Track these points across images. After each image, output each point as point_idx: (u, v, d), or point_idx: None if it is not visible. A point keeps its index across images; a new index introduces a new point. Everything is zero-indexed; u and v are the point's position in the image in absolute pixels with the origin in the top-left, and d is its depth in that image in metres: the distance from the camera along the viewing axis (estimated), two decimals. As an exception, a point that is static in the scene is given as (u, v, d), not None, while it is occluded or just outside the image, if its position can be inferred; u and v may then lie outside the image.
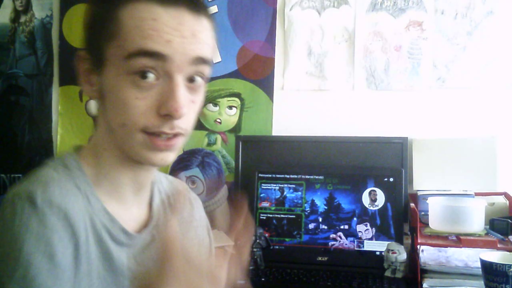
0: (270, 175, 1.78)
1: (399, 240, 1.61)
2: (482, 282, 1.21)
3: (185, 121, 0.74)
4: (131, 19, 0.71)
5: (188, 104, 0.73)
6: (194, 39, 0.72)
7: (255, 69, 1.99)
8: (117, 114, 0.73)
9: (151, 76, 0.70)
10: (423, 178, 1.77)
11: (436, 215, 1.54)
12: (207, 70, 0.75)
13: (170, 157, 0.76)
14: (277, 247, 1.71)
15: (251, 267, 1.59)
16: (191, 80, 0.74)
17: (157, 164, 0.76)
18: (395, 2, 1.87)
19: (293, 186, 1.75)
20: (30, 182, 0.71)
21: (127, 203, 0.81)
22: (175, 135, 0.74)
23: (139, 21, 0.70)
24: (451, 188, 1.72)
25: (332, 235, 1.69)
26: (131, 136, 0.73)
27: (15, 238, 0.66)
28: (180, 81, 0.71)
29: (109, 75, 0.73)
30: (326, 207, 1.71)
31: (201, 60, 0.73)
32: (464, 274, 1.38)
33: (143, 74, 0.70)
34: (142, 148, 0.74)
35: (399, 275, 1.49)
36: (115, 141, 0.76)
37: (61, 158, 0.78)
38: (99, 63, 0.74)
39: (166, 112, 0.71)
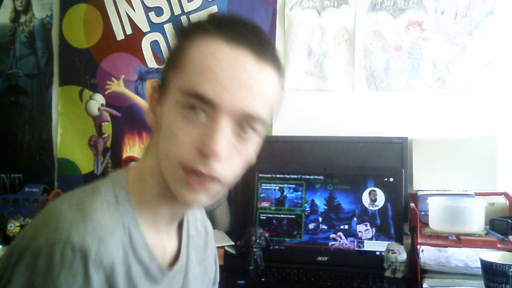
0: (270, 175, 1.78)
1: (399, 240, 1.61)
2: (482, 282, 1.21)
3: (225, 168, 0.72)
4: (196, 53, 0.71)
5: (232, 151, 0.72)
6: (250, 92, 0.70)
7: (255, 69, 1.98)
8: (164, 145, 0.73)
9: (202, 114, 0.70)
10: (423, 178, 1.77)
11: (436, 215, 1.54)
12: (259, 127, 0.74)
13: (202, 199, 0.74)
14: (277, 247, 1.71)
15: (251, 267, 1.59)
16: (242, 129, 0.72)
17: (189, 203, 0.75)
18: (395, 2, 1.87)
19: (293, 186, 1.75)
20: (82, 227, 0.69)
21: (160, 231, 0.81)
22: (211, 179, 0.72)
23: (202, 57, 0.70)
24: (451, 188, 1.72)
25: (332, 235, 1.69)
26: (172, 169, 0.72)
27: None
28: (225, 124, 0.70)
29: (168, 105, 0.73)
30: (326, 207, 1.71)
31: (252, 117, 0.72)
32: (464, 274, 1.38)
33: (195, 111, 0.70)
34: (178, 184, 0.72)
35: (399, 275, 1.49)
36: (161, 171, 0.75)
37: (112, 183, 0.77)
38: (164, 93, 0.74)
39: (203, 149, 0.69)
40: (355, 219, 1.68)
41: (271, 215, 1.75)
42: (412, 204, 1.58)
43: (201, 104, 0.69)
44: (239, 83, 0.69)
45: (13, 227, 1.87)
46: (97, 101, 2.14)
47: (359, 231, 1.67)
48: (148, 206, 0.78)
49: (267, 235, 1.67)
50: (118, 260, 0.71)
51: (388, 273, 1.50)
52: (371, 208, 1.67)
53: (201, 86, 0.69)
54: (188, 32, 0.74)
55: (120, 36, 2.11)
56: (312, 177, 1.74)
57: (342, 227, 1.68)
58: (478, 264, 1.23)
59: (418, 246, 1.47)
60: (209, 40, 0.70)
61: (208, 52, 0.70)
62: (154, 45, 2.09)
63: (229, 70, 0.69)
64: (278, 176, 1.77)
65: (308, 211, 1.72)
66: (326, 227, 1.70)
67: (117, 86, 2.12)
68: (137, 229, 0.75)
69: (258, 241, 1.61)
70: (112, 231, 0.71)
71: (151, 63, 2.09)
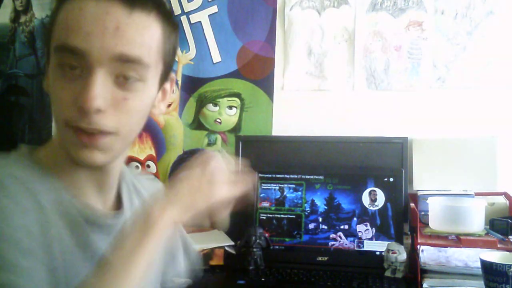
0: (270, 175, 1.78)
1: (399, 240, 1.61)
2: (482, 282, 1.21)
3: (112, 119, 0.70)
4: (63, 12, 0.71)
5: (116, 100, 0.70)
6: (117, 33, 0.68)
7: (255, 69, 1.99)
8: (53, 108, 0.73)
9: (76, 68, 0.69)
10: (423, 178, 1.77)
11: (436, 215, 1.54)
12: (140, 71, 0.71)
13: (98, 156, 0.72)
14: (277, 247, 1.71)
15: (251, 267, 1.59)
16: (124, 78, 0.71)
17: (85, 162, 0.72)
18: (395, 2, 1.87)
19: (293, 186, 1.75)
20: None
21: (91, 200, 0.80)
22: (100, 133, 0.70)
23: (68, 13, 0.70)
24: (451, 188, 1.72)
25: (332, 235, 1.69)
26: (62, 131, 0.72)
27: None
28: (99, 74, 0.68)
29: (49, 70, 0.73)
30: (326, 207, 1.71)
31: (126, 58, 0.69)
32: (464, 274, 1.37)
33: (70, 66, 0.69)
34: (71, 145, 0.72)
35: (399, 275, 1.49)
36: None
37: (19, 154, 0.79)
38: (47, 60, 0.75)
39: (78, 104, 0.68)
40: (355, 219, 1.68)
41: (271, 215, 1.75)
42: (412, 204, 1.58)
43: (71, 57, 0.69)
44: (106, 28, 0.68)
45: (13, 227, 1.87)
46: (97, 101, 2.14)
47: (359, 231, 1.67)
48: (68, 180, 0.77)
49: (267, 235, 1.67)
50: (43, 189, 0.72)
51: (388, 273, 1.50)
52: (371, 208, 1.67)
53: (68, 37, 0.68)
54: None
55: (120, 36, 2.11)
56: (312, 177, 1.74)
57: (342, 227, 1.68)
58: (478, 264, 1.23)
59: (418, 246, 1.47)
60: (75, 0, 0.70)
61: (73, 8, 0.69)
62: (154, 45, 2.08)
63: (95, 18, 0.68)
64: (278, 176, 1.77)
65: (308, 211, 1.72)
66: (326, 227, 1.70)
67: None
68: (60, 186, 0.75)
69: (258, 241, 1.61)
70: (24, 168, 0.73)
71: (151, 63, 2.09)
